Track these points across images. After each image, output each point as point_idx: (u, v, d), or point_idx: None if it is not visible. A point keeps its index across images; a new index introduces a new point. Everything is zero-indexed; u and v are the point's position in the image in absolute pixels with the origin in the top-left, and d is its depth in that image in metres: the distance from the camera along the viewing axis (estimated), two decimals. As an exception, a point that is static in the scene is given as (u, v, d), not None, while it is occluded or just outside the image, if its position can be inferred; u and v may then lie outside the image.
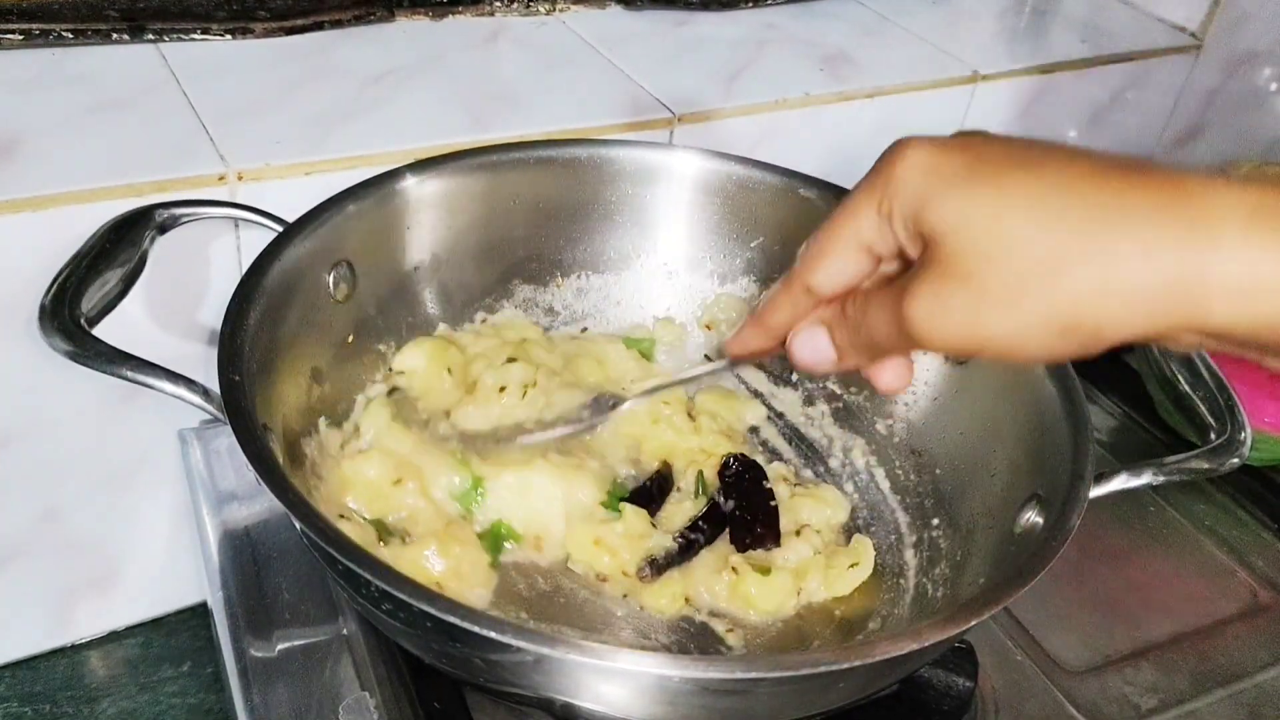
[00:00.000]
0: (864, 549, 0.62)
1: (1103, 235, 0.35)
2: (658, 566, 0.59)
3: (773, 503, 0.63)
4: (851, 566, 0.61)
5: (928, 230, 0.39)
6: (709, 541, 0.61)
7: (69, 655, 0.72)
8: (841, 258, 0.43)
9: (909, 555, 0.63)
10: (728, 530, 0.62)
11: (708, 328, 0.73)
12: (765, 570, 0.59)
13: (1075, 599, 0.68)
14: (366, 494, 0.58)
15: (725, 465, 0.65)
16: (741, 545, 0.61)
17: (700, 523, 0.61)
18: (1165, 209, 0.35)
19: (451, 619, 0.40)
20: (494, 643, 0.41)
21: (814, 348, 0.45)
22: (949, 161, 0.39)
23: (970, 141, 0.39)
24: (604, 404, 0.64)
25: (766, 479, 0.64)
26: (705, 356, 0.73)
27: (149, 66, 0.70)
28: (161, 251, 0.57)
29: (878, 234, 0.41)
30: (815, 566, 0.61)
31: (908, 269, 0.41)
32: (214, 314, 0.65)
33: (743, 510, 0.62)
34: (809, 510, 0.64)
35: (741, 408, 0.71)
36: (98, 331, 0.50)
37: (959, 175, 0.38)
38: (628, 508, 0.61)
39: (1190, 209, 0.35)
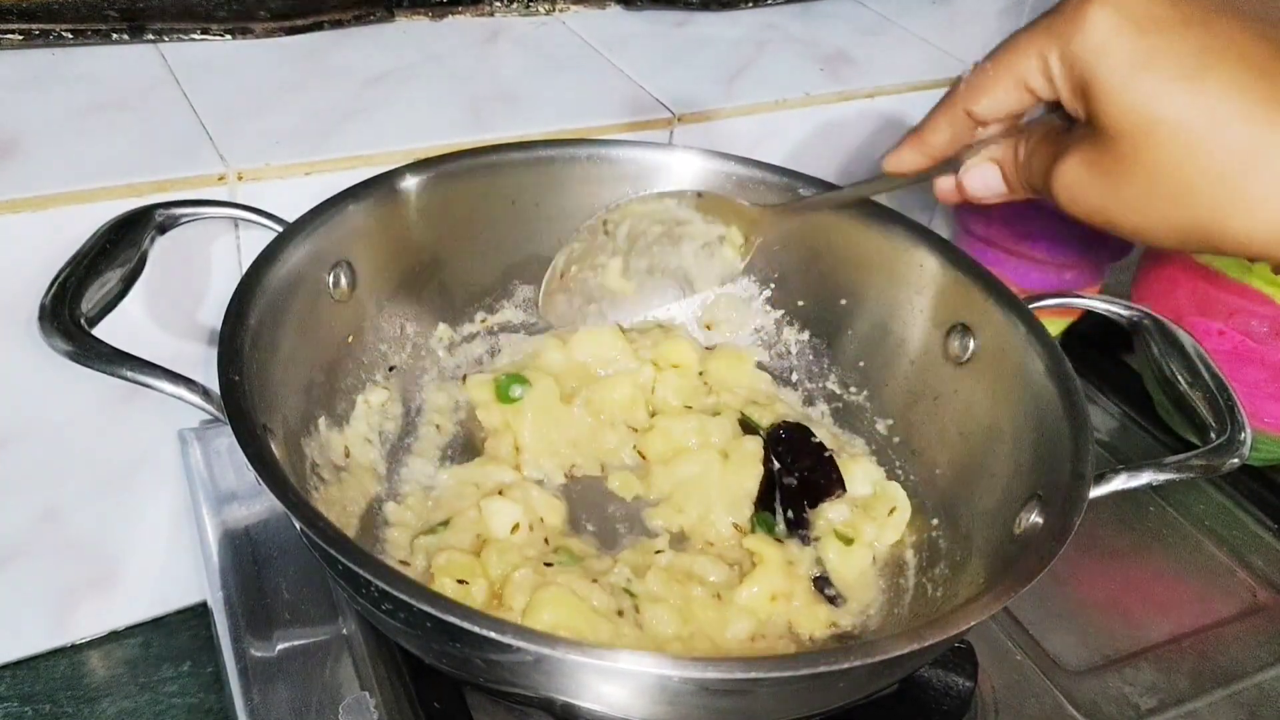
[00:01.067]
0: (895, 492, 0.64)
1: (1247, 181, 0.36)
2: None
3: (827, 453, 0.65)
4: (891, 512, 0.63)
5: (1094, 111, 0.39)
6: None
7: (69, 655, 0.72)
8: (1003, 91, 0.45)
9: (909, 555, 0.63)
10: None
11: (708, 327, 0.74)
12: (848, 540, 0.62)
13: (1075, 599, 0.68)
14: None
15: (774, 436, 0.66)
16: (815, 502, 0.63)
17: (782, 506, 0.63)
18: None
19: (451, 619, 0.40)
20: (494, 643, 0.41)
21: (985, 181, 0.48)
22: (1132, 43, 0.38)
23: (1159, 17, 0.38)
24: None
25: (812, 434, 0.66)
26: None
27: (149, 66, 0.70)
28: (161, 251, 0.57)
29: (1041, 83, 0.43)
30: (865, 521, 0.63)
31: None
32: (214, 314, 0.65)
33: (808, 472, 0.64)
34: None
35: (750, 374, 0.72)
36: (98, 331, 0.50)
37: (1136, 64, 0.38)
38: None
39: None
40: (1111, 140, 0.39)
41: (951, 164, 0.50)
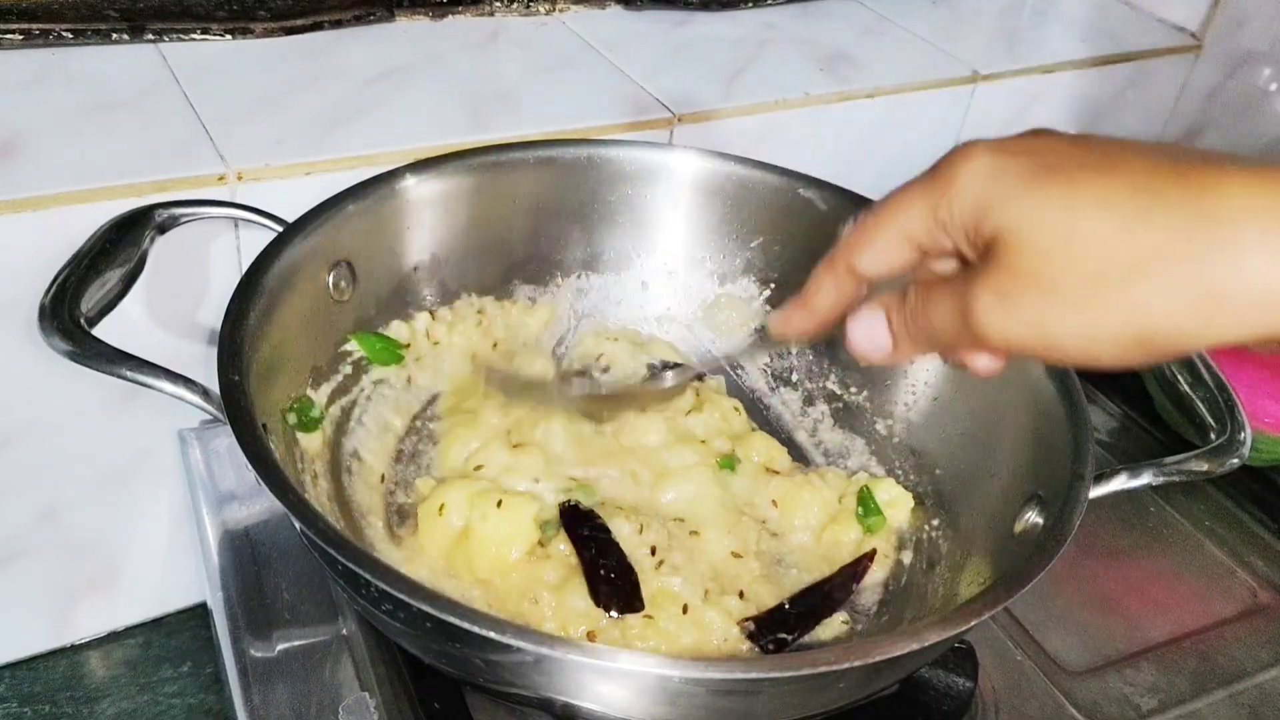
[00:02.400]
0: (887, 485, 0.64)
1: (1190, 239, 0.33)
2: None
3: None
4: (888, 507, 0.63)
5: (993, 233, 0.37)
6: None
7: (69, 655, 0.72)
8: (887, 247, 0.42)
9: (909, 555, 0.63)
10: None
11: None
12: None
13: (1075, 599, 0.68)
14: None
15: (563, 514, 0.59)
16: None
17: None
18: (1255, 212, 0.33)
19: (451, 619, 0.40)
20: (494, 643, 0.41)
21: (870, 334, 0.44)
22: (1015, 164, 0.37)
23: (1034, 144, 0.38)
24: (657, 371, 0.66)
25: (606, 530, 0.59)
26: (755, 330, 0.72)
27: (149, 66, 0.70)
28: (161, 251, 0.57)
29: (928, 235, 0.40)
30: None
31: (964, 264, 0.40)
32: (214, 314, 0.65)
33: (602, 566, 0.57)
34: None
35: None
36: (98, 331, 0.50)
37: (1027, 177, 0.37)
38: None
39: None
40: (1026, 253, 0.36)
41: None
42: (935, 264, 0.43)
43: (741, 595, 0.58)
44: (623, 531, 0.58)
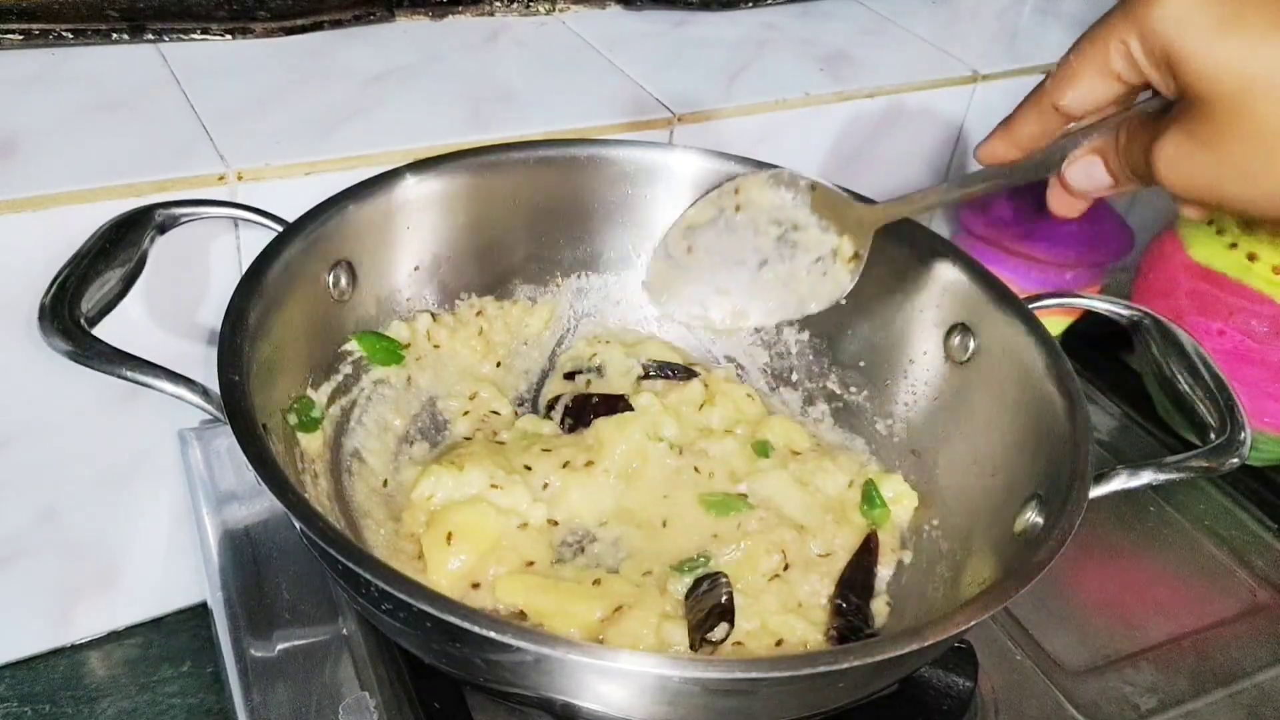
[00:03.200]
0: (893, 481, 0.64)
1: None
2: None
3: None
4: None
5: (1182, 77, 0.39)
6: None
7: (69, 655, 0.72)
8: (1088, 82, 0.44)
9: (909, 555, 0.63)
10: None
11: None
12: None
13: (1075, 599, 0.68)
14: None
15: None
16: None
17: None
18: None
19: (451, 619, 0.40)
20: (494, 643, 0.41)
21: (1089, 174, 0.46)
22: (1213, 8, 0.38)
23: None
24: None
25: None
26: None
27: (149, 66, 0.70)
28: (161, 251, 0.57)
29: (1124, 65, 0.42)
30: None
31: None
32: (214, 314, 0.65)
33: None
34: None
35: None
36: (98, 331, 0.50)
37: (1219, 28, 0.37)
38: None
39: None
40: (1207, 108, 0.38)
41: (1042, 163, 0.49)
42: (1142, 98, 0.45)
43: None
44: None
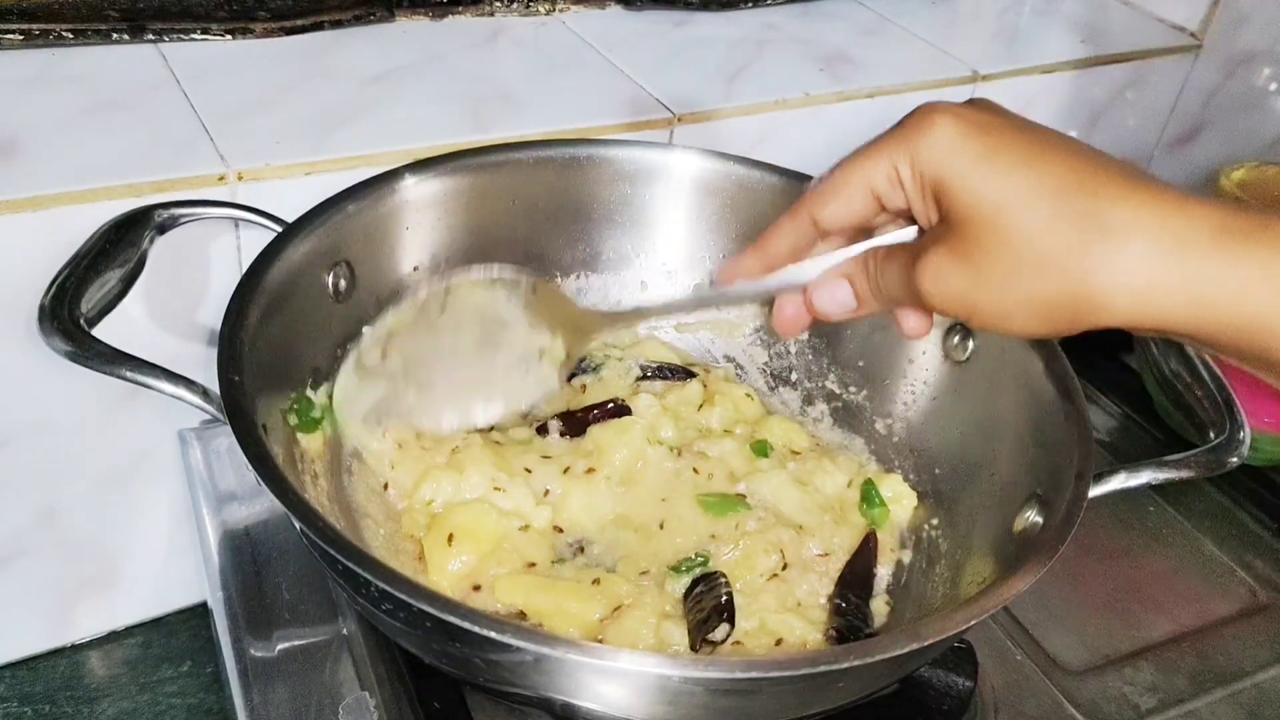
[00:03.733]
0: (892, 482, 0.64)
1: (1086, 245, 0.40)
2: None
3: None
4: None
5: (946, 206, 0.42)
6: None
7: (69, 655, 0.72)
8: (850, 200, 0.46)
9: (909, 554, 0.63)
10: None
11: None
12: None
13: (1075, 599, 0.68)
14: None
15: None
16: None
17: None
18: (1151, 220, 0.39)
19: (451, 619, 0.41)
20: (494, 643, 0.41)
21: (834, 297, 0.48)
22: (974, 144, 0.42)
23: (988, 121, 0.43)
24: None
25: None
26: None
27: (149, 66, 0.70)
28: (161, 251, 0.57)
29: (889, 190, 0.45)
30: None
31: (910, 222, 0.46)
32: (214, 314, 0.65)
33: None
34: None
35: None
36: (97, 332, 0.50)
37: (982, 159, 0.42)
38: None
39: (1170, 220, 0.39)
40: (967, 228, 0.41)
41: (784, 282, 0.50)
42: (885, 229, 0.48)
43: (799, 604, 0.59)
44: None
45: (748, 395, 0.70)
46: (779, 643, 0.56)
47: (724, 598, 0.56)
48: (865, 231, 0.49)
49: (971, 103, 0.45)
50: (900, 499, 0.64)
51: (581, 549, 0.60)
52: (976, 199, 0.41)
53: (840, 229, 0.48)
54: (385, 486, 0.61)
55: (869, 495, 0.64)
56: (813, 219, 0.48)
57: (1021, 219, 0.40)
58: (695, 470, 0.64)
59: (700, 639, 0.54)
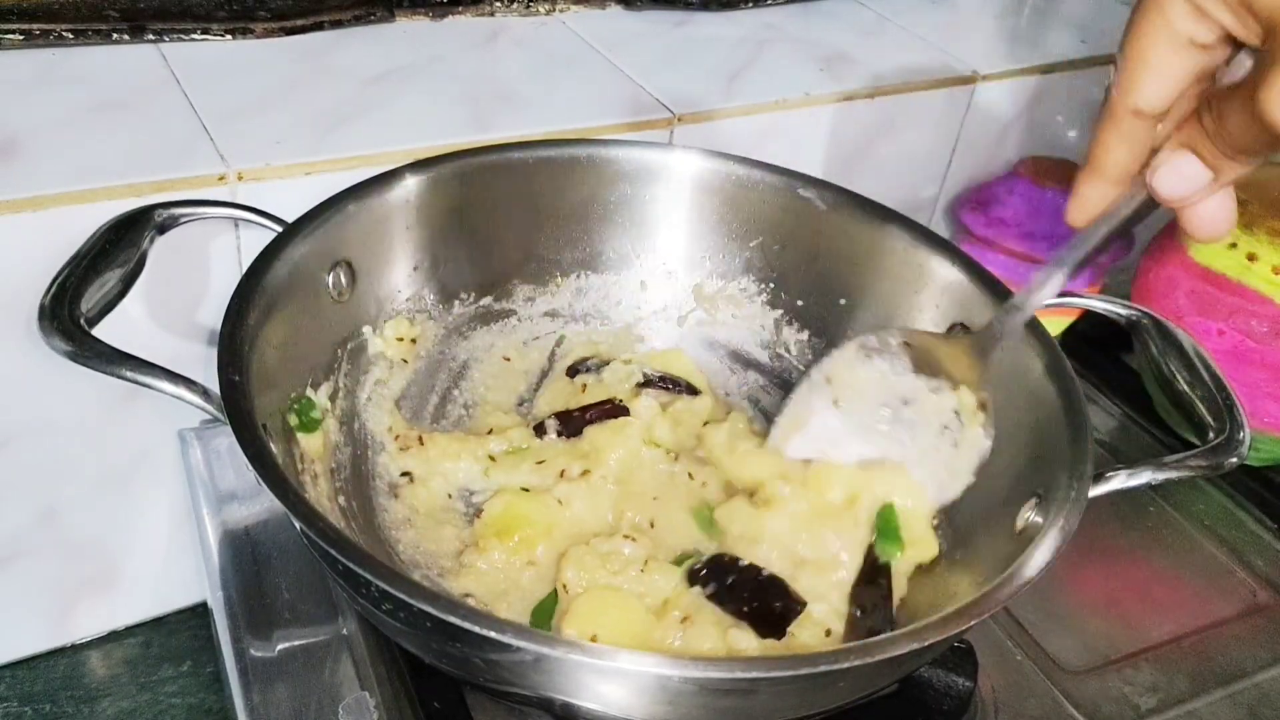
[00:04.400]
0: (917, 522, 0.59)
1: None
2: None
3: (764, 574, 0.56)
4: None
5: (1266, 8, 0.35)
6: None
7: (69, 655, 0.72)
8: (1164, 60, 0.39)
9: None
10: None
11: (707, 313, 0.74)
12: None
13: (1075, 599, 0.68)
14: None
15: (694, 575, 0.57)
16: (780, 629, 0.55)
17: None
18: None
19: (451, 619, 0.41)
20: (494, 643, 0.41)
21: (1183, 175, 0.40)
22: None
23: None
24: None
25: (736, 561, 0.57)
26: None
27: (149, 66, 0.70)
28: (161, 251, 0.57)
29: (1195, 21, 0.37)
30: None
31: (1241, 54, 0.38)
32: (214, 314, 0.65)
33: (755, 605, 0.55)
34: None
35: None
36: (97, 331, 0.50)
37: None
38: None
39: None
40: None
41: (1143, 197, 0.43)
42: (1223, 71, 0.40)
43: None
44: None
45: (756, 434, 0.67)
46: (829, 633, 0.55)
47: (763, 574, 0.54)
48: (1209, 82, 0.40)
49: None
50: (920, 543, 0.59)
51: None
52: None
53: (1171, 103, 0.40)
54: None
55: (886, 527, 0.58)
56: (1134, 110, 0.40)
57: None
58: (690, 475, 0.64)
59: (777, 629, 0.53)
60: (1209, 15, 0.37)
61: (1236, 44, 0.38)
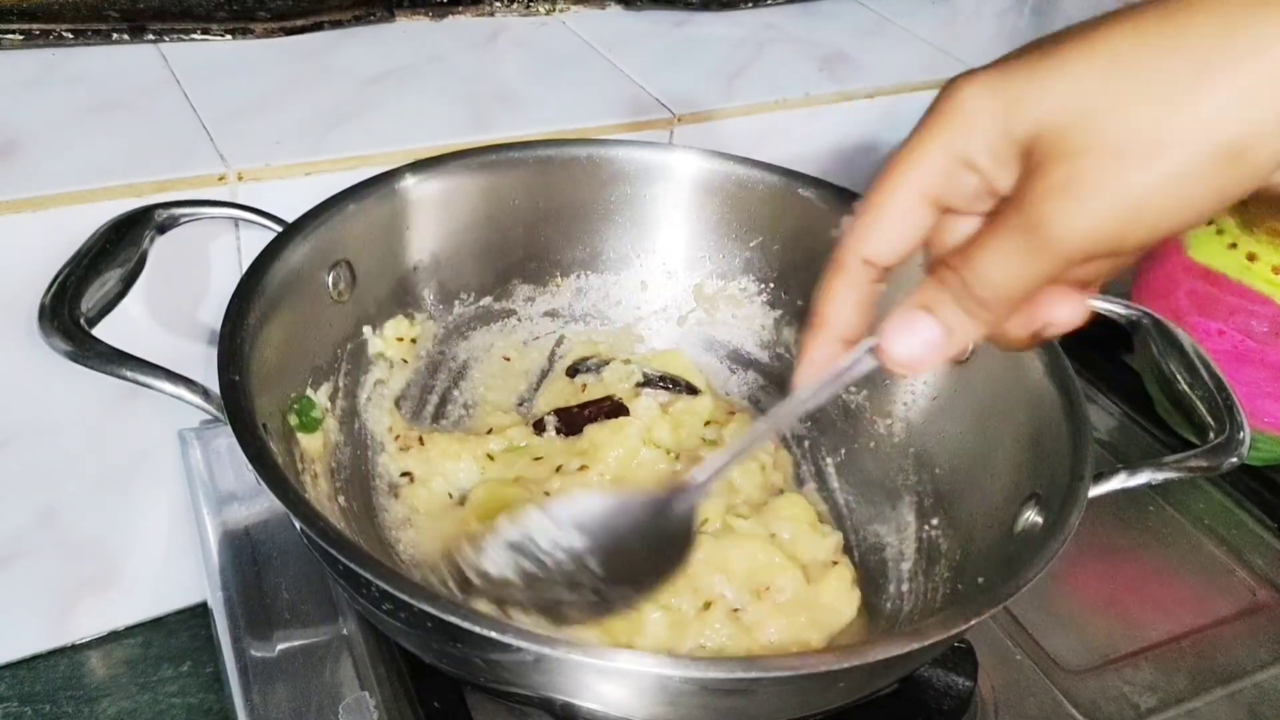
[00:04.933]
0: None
1: (1230, 40, 0.31)
2: None
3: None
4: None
5: (1028, 133, 0.34)
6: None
7: (69, 655, 0.72)
8: (904, 216, 0.37)
9: (909, 555, 0.63)
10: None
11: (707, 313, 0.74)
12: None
13: (1075, 599, 0.68)
14: None
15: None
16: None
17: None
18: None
19: (451, 619, 0.40)
20: (494, 643, 0.41)
21: (915, 336, 0.37)
22: (1015, 67, 0.34)
23: (1015, 52, 0.35)
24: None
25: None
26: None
27: (149, 66, 0.70)
28: (161, 251, 0.57)
29: (948, 181, 0.36)
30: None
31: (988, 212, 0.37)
32: (214, 314, 0.65)
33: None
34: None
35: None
36: (98, 331, 0.50)
37: (1035, 67, 0.34)
38: None
39: None
40: (1078, 134, 0.33)
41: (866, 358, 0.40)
42: (952, 231, 0.38)
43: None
44: None
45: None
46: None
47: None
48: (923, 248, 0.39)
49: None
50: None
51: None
52: (1068, 94, 0.33)
53: (901, 259, 0.39)
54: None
55: None
56: (863, 260, 0.38)
57: (1135, 64, 0.32)
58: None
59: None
60: (972, 167, 0.36)
61: (990, 194, 0.36)
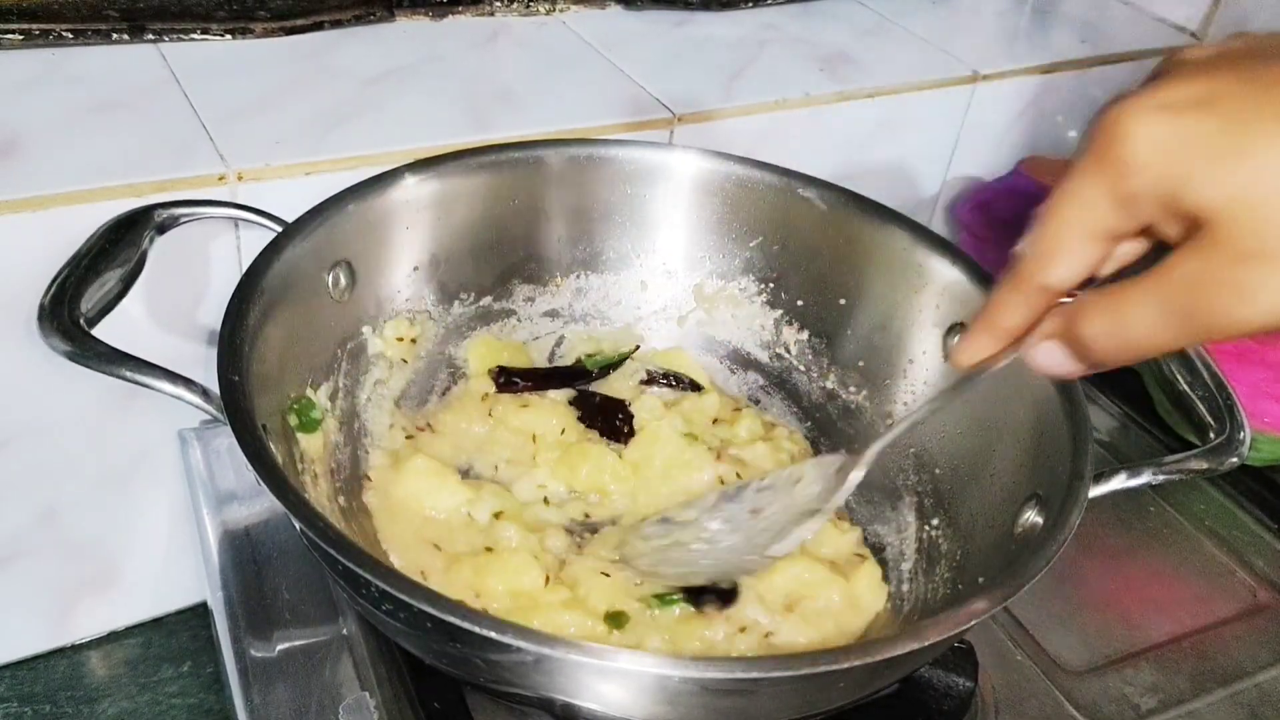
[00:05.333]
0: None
1: None
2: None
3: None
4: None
5: (1198, 211, 0.35)
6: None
7: (69, 655, 0.72)
8: (1080, 251, 0.40)
9: (909, 555, 0.63)
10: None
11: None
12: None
13: (1075, 599, 0.68)
14: None
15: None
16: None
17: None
18: None
19: (451, 619, 0.40)
20: (494, 643, 0.41)
21: (1056, 360, 0.43)
22: (1195, 129, 0.35)
23: (1200, 90, 0.36)
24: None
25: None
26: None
27: (149, 66, 0.70)
28: (161, 251, 0.57)
29: (1117, 219, 0.38)
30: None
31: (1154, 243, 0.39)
32: (214, 314, 0.64)
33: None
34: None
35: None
36: (97, 332, 0.50)
37: (1215, 143, 0.34)
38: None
39: None
40: (1246, 234, 0.34)
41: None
42: (1119, 252, 0.42)
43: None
44: None
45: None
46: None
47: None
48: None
49: (1170, 72, 0.37)
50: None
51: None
52: (1243, 186, 0.34)
53: (1078, 286, 0.42)
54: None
55: None
56: (1043, 287, 0.42)
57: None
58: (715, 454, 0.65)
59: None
60: (1137, 214, 0.38)
61: (1149, 234, 0.39)
